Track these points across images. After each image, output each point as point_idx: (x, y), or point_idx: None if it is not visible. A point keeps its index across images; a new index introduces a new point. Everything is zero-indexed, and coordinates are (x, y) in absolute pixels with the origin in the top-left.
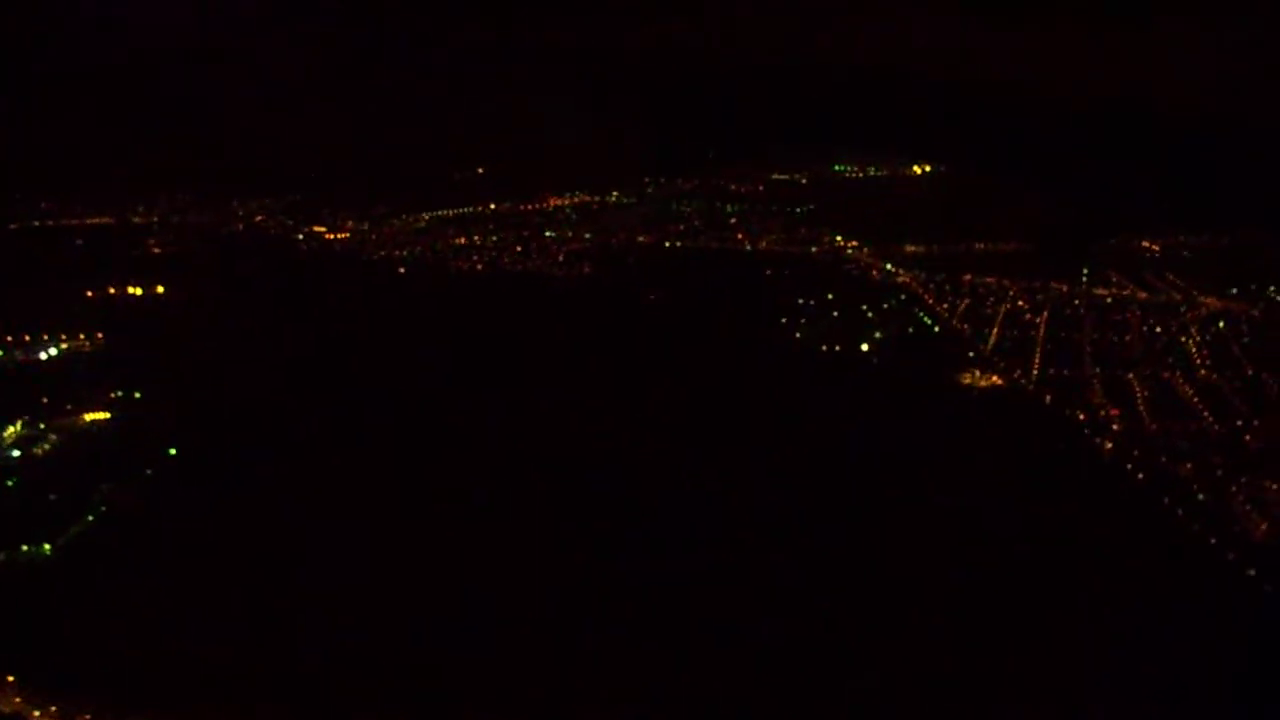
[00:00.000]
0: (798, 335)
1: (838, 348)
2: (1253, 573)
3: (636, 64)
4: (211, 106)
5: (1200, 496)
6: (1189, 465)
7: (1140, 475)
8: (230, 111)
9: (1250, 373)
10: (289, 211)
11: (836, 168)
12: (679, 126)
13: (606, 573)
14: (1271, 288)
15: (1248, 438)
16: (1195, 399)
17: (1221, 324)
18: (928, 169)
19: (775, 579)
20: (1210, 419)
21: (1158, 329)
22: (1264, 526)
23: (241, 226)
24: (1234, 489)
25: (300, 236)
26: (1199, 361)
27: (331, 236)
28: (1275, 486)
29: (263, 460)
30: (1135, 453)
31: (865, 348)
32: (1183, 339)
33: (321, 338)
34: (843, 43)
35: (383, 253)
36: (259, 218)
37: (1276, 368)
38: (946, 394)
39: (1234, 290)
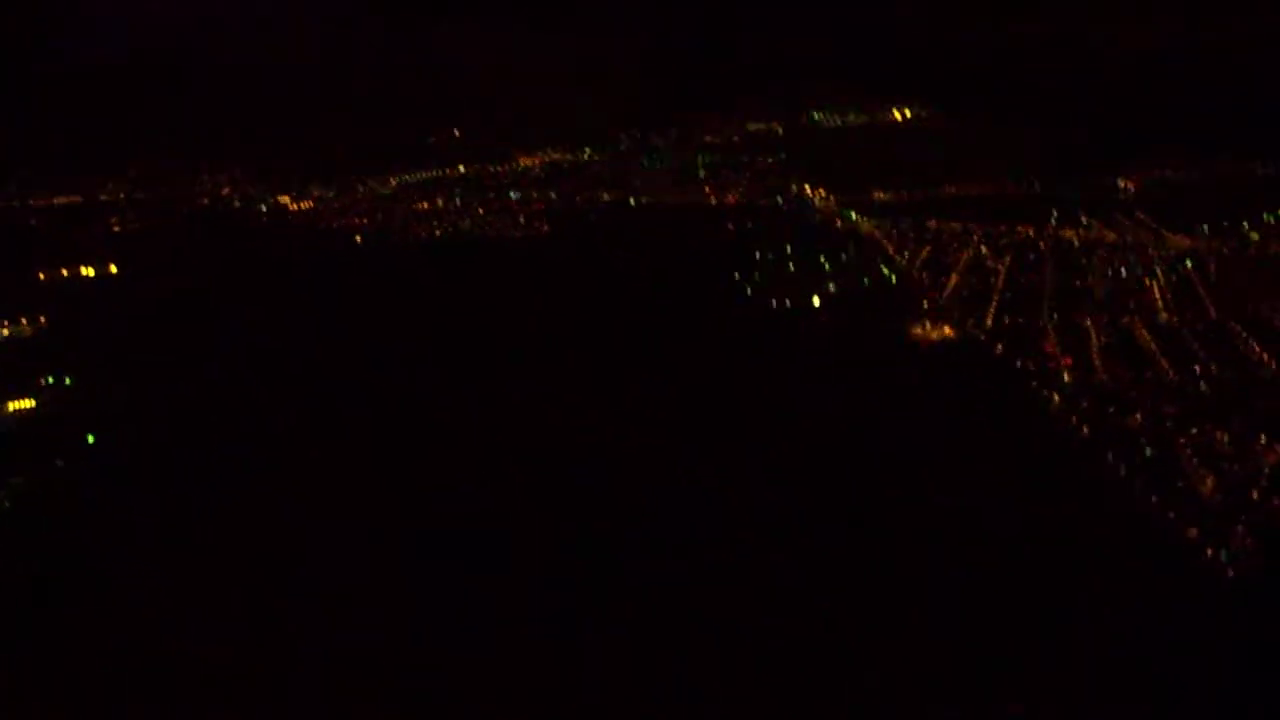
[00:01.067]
0: (749, 291)
1: (788, 302)
2: (1194, 532)
3: (612, 17)
4: (181, 77)
5: (1148, 451)
6: (1138, 417)
7: (1085, 429)
8: (200, 81)
9: (1213, 315)
10: (257, 181)
11: (815, 116)
12: (654, 80)
13: (551, 542)
14: (1245, 223)
15: (1203, 385)
16: (1153, 345)
17: (1189, 263)
18: (907, 114)
19: (711, 543)
20: (1166, 366)
21: (1122, 272)
22: (1210, 481)
23: (206, 200)
24: (1182, 441)
25: (263, 208)
26: (1161, 305)
27: (295, 206)
28: (1226, 438)
29: (197, 445)
30: (1083, 404)
31: (816, 302)
32: (1147, 281)
33: (271, 314)
34: None
35: (343, 221)
36: (225, 190)
37: (1240, 309)
38: (894, 348)
39: (1206, 227)
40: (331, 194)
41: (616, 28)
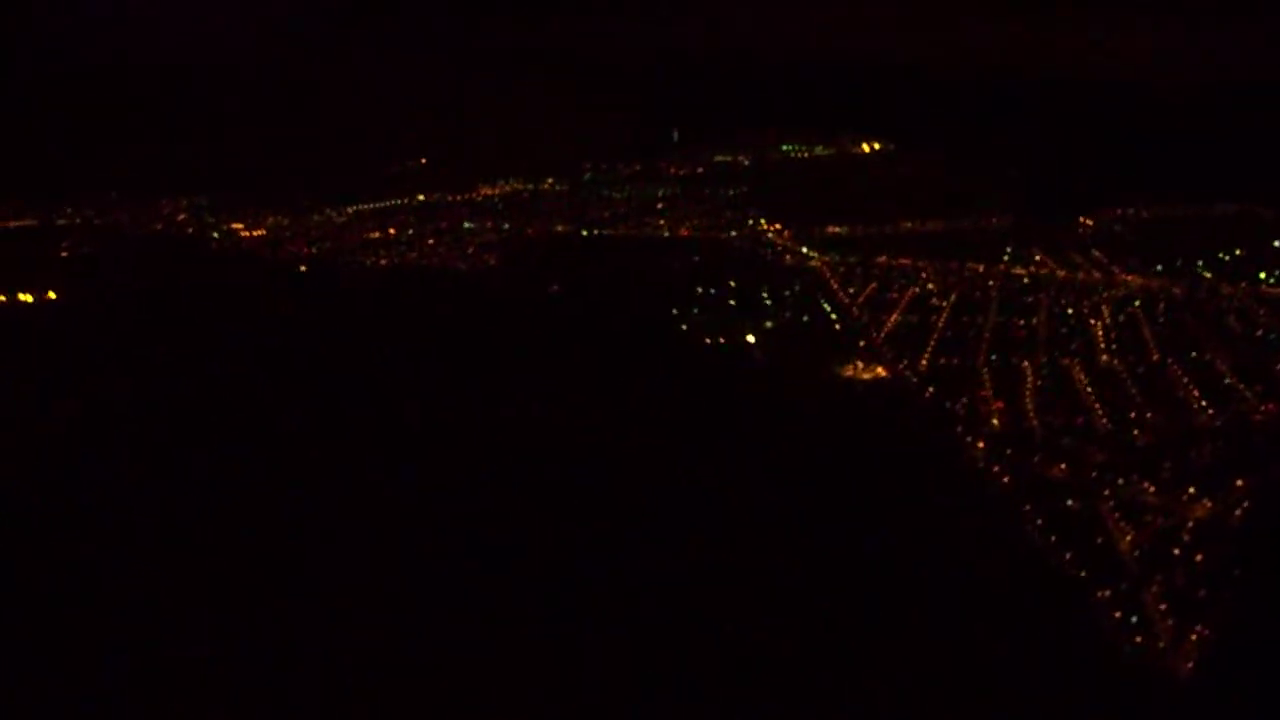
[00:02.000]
0: (684, 327)
1: (721, 340)
2: (1107, 593)
3: (583, 49)
4: (147, 103)
5: (1069, 502)
6: (1063, 466)
7: (1006, 479)
8: (167, 107)
9: (1156, 358)
10: (215, 208)
11: (785, 148)
12: (622, 112)
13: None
14: (1200, 263)
15: (1136, 432)
16: (1089, 389)
17: (1138, 303)
18: (875, 148)
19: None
20: (1101, 412)
21: (1069, 310)
22: (1129, 537)
23: (160, 226)
24: (1107, 493)
25: (215, 235)
26: (1104, 346)
27: (247, 234)
28: (1153, 489)
29: (116, 472)
30: (1008, 451)
31: (751, 339)
32: (1092, 321)
33: (204, 343)
34: (793, 24)
35: (290, 249)
36: (181, 216)
37: (1184, 352)
38: (822, 389)
39: (1159, 267)
40: (286, 221)
41: (587, 59)
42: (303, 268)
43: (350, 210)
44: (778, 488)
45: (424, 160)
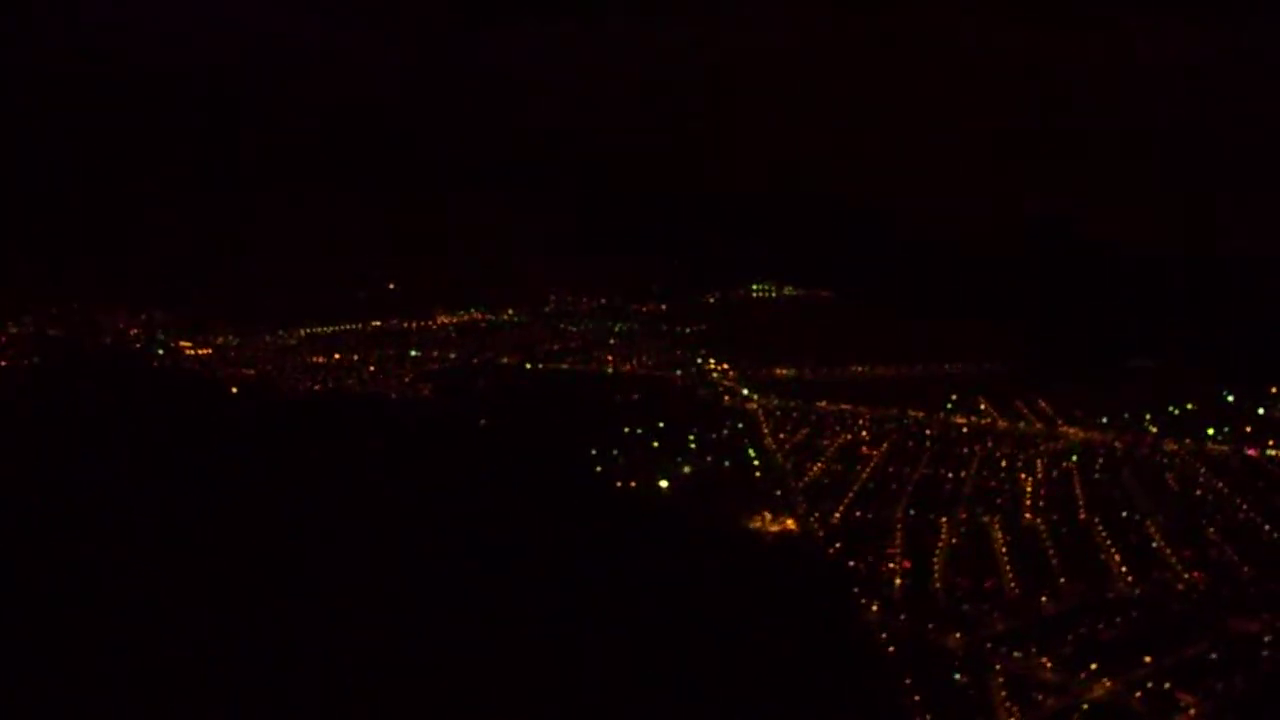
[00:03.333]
0: (598, 469)
1: (633, 484)
2: None
3: (556, 182)
4: (113, 213)
5: (957, 676)
6: (958, 635)
7: (891, 649)
8: (132, 218)
9: (1083, 517)
10: (170, 325)
11: (754, 289)
12: (589, 246)
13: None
14: (1147, 415)
15: (1045, 599)
16: (1004, 550)
17: (1075, 458)
18: (840, 292)
19: None
20: (1011, 576)
21: (1003, 463)
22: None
23: (109, 340)
24: (998, 668)
25: (160, 352)
26: (1030, 503)
27: (192, 352)
28: (1050, 664)
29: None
30: (901, 617)
31: (664, 484)
32: (1023, 476)
33: (111, 464)
34: (772, 162)
35: (229, 370)
36: (134, 330)
37: (1115, 511)
38: (723, 540)
39: (1104, 419)
40: (235, 341)
41: (557, 192)
42: (234, 389)
43: (303, 333)
44: (655, 640)
45: (391, 285)
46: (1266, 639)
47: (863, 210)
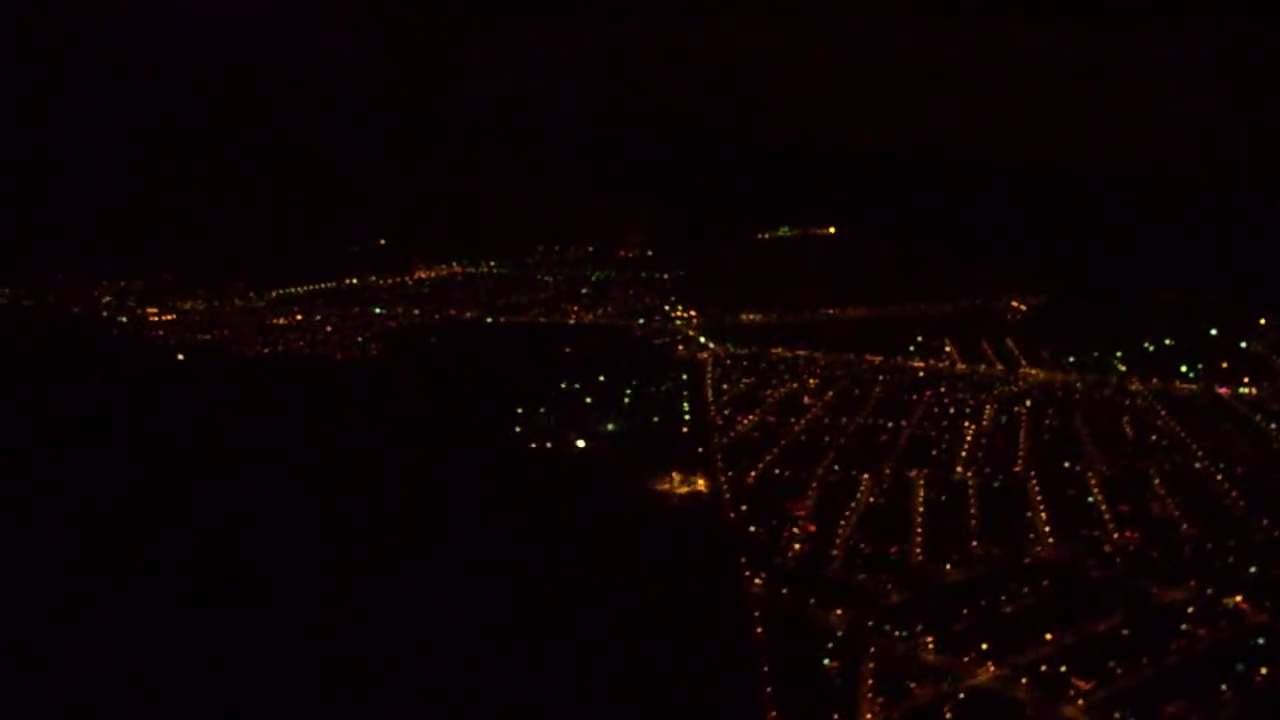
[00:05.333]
0: (517, 429)
1: (548, 445)
2: None
3: (548, 129)
4: (96, 185)
5: (826, 661)
6: (838, 612)
7: (760, 629)
8: (114, 188)
9: (1018, 469)
10: (145, 293)
11: (757, 234)
12: (594, 192)
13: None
14: (1117, 354)
15: (949, 567)
16: (922, 510)
17: (1028, 403)
18: (836, 231)
19: None
20: (919, 543)
21: (951, 410)
22: (878, 708)
23: (79, 309)
24: (873, 650)
25: (123, 320)
26: (966, 455)
27: (156, 318)
28: (934, 645)
29: None
30: (783, 591)
31: (581, 444)
32: (966, 424)
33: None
34: (773, 104)
35: (184, 336)
36: (106, 299)
37: (1056, 461)
38: (625, 504)
39: (1071, 359)
40: (202, 306)
41: (551, 139)
42: (180, 356)
43: (274, 294)
44: (526, 603)
45: (382, 241)
46: (1190, 610)
47: (860, 150)
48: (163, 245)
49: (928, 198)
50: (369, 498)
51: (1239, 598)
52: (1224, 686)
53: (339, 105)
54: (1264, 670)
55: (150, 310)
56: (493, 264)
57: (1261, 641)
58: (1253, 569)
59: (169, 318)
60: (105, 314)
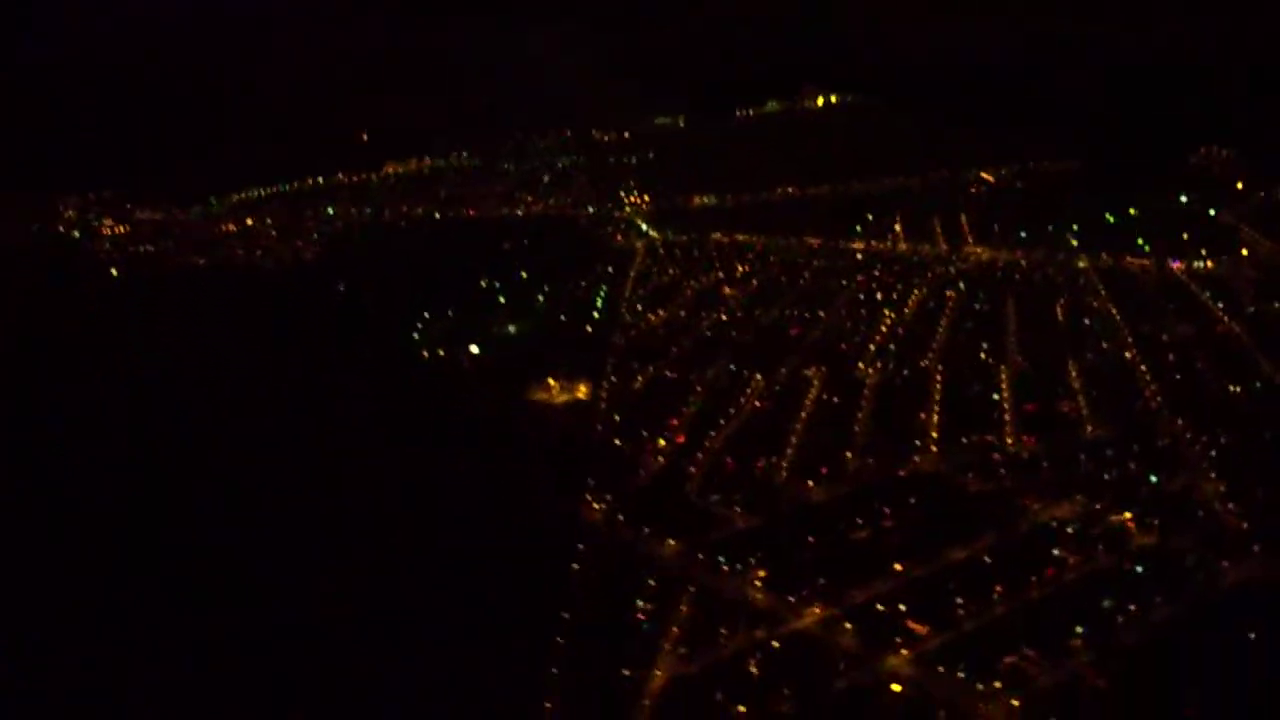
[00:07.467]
0: (415, 337)
1: (440, 352)
2: None
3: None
4: (57, 96)
5: (639, 603)
6: (672, 542)
7: (577, 564)
8: (75, 98)
9: (924, 364)
10: (109, 203)
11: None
12: (567, 79)
13: None
14: (1075, 227)
15: (811, 484)
16: (806, 415)
17: (962, 285)
18: (828, 102)
19: None
20: (793, 452)
21: (878, 296)
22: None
23: (37, 225)
24: (692, 590)
25: (76, 234)
26: (875, 348)
27: (109, 230)
28: (762, 583)
29: None
30: (620, 518)
31: (474, 350)
32: (885, 313)
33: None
34: None
35: (131, 249)
36: (70, 213)
37: (973, 352)
38: (499, 411)
39: (1023, 233)
40: (158, 217)
41: (531, 23)
42: (114, 271)
43: (235, 198)
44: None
45: (365, 137)
46: (1070, 530)
47: (868, 25)
48: (130, 154)
49: (903, 72)
50: (263, 415)
51: (1127, 515)
52: (1079, 630)
53: None
54: (1132, 608)
55: (106, 222)
56: (464, 155)
57: (1139, 570)
58: (1153, 478)
59: (122, 229)
60: (62, 229)
